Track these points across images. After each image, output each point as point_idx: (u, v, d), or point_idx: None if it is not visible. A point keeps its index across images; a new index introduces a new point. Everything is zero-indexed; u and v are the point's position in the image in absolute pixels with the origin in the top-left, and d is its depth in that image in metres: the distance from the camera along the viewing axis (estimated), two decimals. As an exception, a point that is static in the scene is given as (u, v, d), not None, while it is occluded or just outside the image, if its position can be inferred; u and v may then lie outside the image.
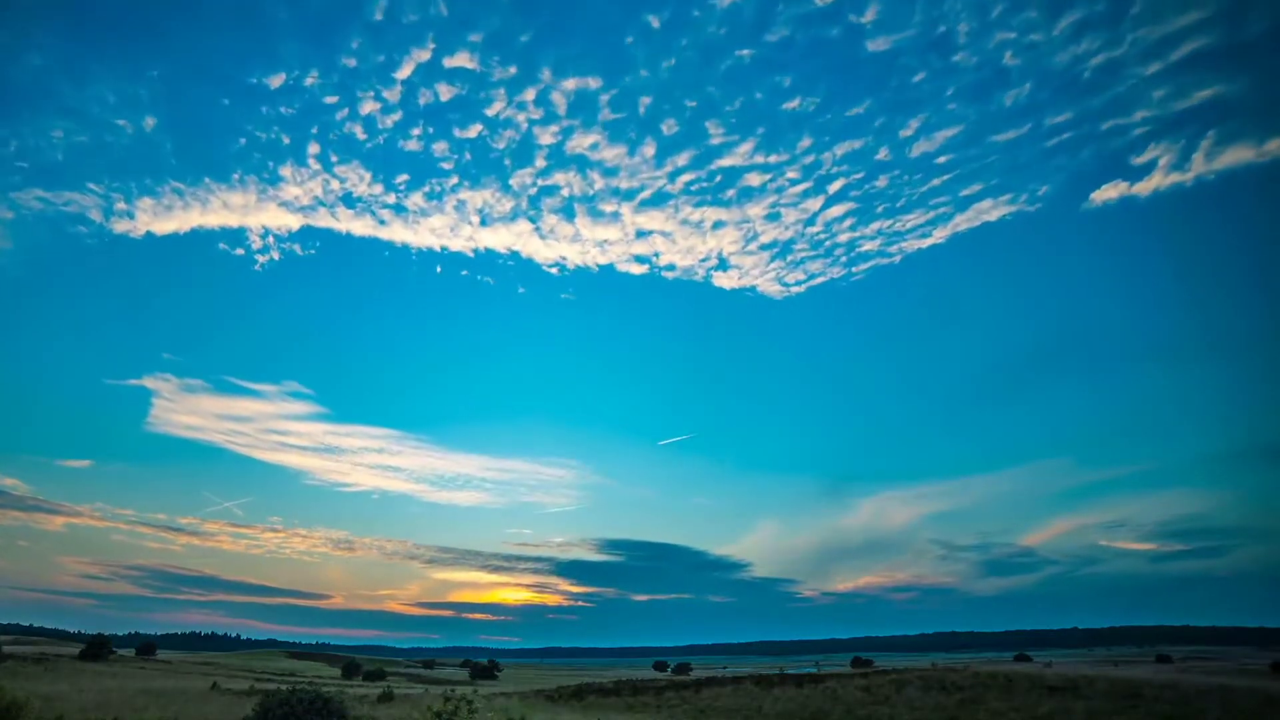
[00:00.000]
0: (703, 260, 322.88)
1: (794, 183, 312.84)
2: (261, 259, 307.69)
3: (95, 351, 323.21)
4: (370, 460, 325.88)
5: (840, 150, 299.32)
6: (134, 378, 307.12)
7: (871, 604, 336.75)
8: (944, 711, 24.97)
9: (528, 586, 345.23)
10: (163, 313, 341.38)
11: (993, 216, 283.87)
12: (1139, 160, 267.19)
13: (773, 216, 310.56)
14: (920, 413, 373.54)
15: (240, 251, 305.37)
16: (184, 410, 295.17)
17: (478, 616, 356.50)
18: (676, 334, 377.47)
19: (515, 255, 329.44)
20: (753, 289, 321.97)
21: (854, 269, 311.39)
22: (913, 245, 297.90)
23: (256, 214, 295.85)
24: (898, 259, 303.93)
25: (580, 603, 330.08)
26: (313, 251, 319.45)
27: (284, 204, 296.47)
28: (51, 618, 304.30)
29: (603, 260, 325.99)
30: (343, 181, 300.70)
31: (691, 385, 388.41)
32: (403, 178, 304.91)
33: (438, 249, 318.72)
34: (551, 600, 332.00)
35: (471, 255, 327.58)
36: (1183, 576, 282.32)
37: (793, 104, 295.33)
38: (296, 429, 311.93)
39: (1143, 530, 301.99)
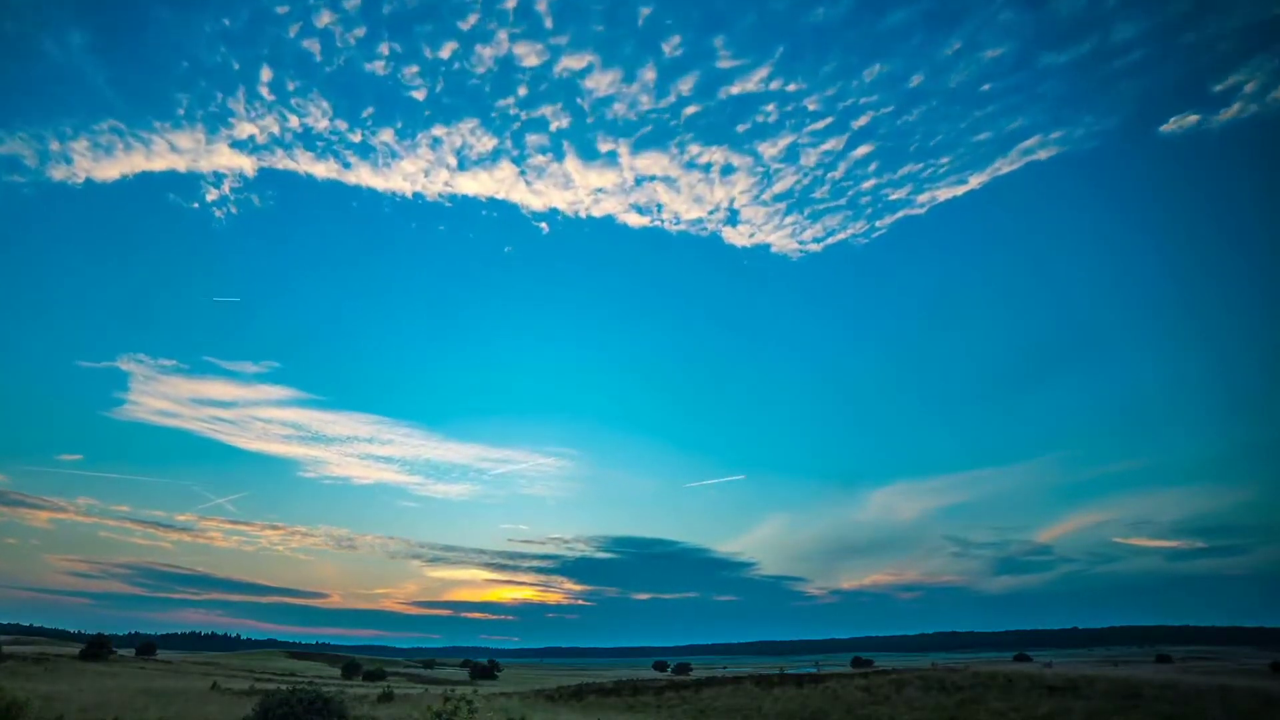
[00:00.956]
0: (711, 212, 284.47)
1: (815, 116, 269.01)
2: (219, 212, 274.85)
3: (63, 328, 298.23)
4: (360, 450, 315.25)
5: (869, 75, 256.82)
6: (108, 359, 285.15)
7: (879, 602, 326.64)
8: (944, 711, 24.95)
9: (526, 585, 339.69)
10: (123, 280, 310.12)
11: (1040, 156, 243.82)
12: (1221, 87, 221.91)
13: (789, 158, 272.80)
14: (938, 395, 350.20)
15: (195, 205, 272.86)
16: (161, 396, 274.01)
17: (476, 615, 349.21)
18: (680, 302, 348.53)
19: (498, 204, 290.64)
20: (765, 247, 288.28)
21: (877, 223, 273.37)
22: (945, 193, 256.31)
23: (208, 157, 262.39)
24: (924, 210, 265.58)
25: (580, 601, 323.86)
26: (272, 201, 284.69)
27: (237, 144, 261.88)
28: (43, 616, 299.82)
29: (598, 212, 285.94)
30: (301, 116, 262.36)
31: (696, 365, 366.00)
32: (368, 111, 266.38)
33: (409, 195, 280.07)
34: (551, 598, 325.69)
35: (449, 205, 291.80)
36: (1202, 576, 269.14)
37: (816, 14, 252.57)
38: (280, 415, 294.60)
39: (1161, 527, 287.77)
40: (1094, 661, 75.14)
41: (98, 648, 50.93)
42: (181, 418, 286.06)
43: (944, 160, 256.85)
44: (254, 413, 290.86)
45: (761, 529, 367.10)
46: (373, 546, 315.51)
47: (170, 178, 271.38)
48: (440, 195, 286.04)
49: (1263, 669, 49.55)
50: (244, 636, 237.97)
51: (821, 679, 34.22)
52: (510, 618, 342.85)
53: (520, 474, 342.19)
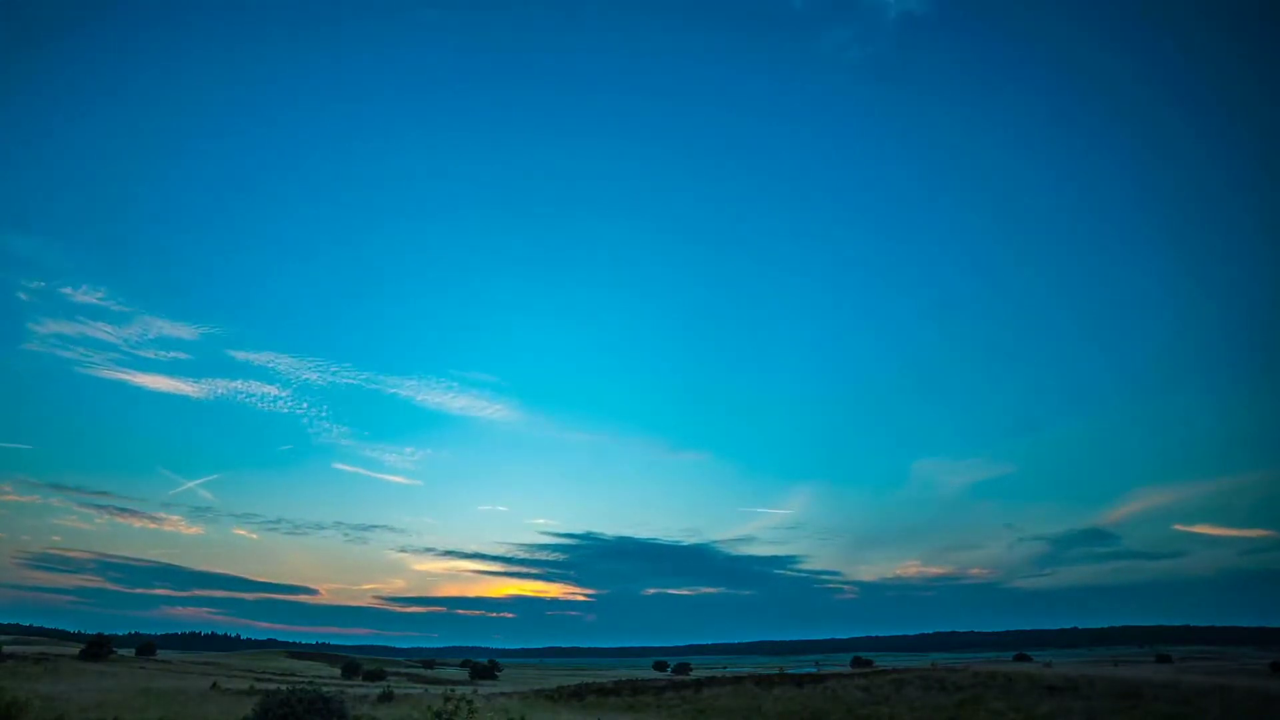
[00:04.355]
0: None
1: None
2: None
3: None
4: (337, 429, 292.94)
5: None
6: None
7: (905, 597, 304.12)
8: (944, 711, 24.95)
9: (523, 578, 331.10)
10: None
11: None
12: None
13: None
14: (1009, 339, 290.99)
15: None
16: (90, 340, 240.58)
17: (474, 613, 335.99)
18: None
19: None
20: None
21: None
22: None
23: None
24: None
25: (581, 597, 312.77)
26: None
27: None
28: (13, 613, 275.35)
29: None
30: None
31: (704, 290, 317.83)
32: None
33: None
34: (550, 593, 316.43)
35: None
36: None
37: None
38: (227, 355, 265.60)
39: (1238, 514, 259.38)
40: (1094, 661, 75.15)
41: (98, 648, 50.94)
42: (101, 365, 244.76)
43: None
44: (205, 355, 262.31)
45: (779, 511, 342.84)
46: (366, 541, 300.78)
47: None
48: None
49: (1263, 669, 49.57)
50: (243, 636, 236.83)
51: (821, 679, 34.23)
52: (509, 614, 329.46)
53: (518, 445, 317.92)
